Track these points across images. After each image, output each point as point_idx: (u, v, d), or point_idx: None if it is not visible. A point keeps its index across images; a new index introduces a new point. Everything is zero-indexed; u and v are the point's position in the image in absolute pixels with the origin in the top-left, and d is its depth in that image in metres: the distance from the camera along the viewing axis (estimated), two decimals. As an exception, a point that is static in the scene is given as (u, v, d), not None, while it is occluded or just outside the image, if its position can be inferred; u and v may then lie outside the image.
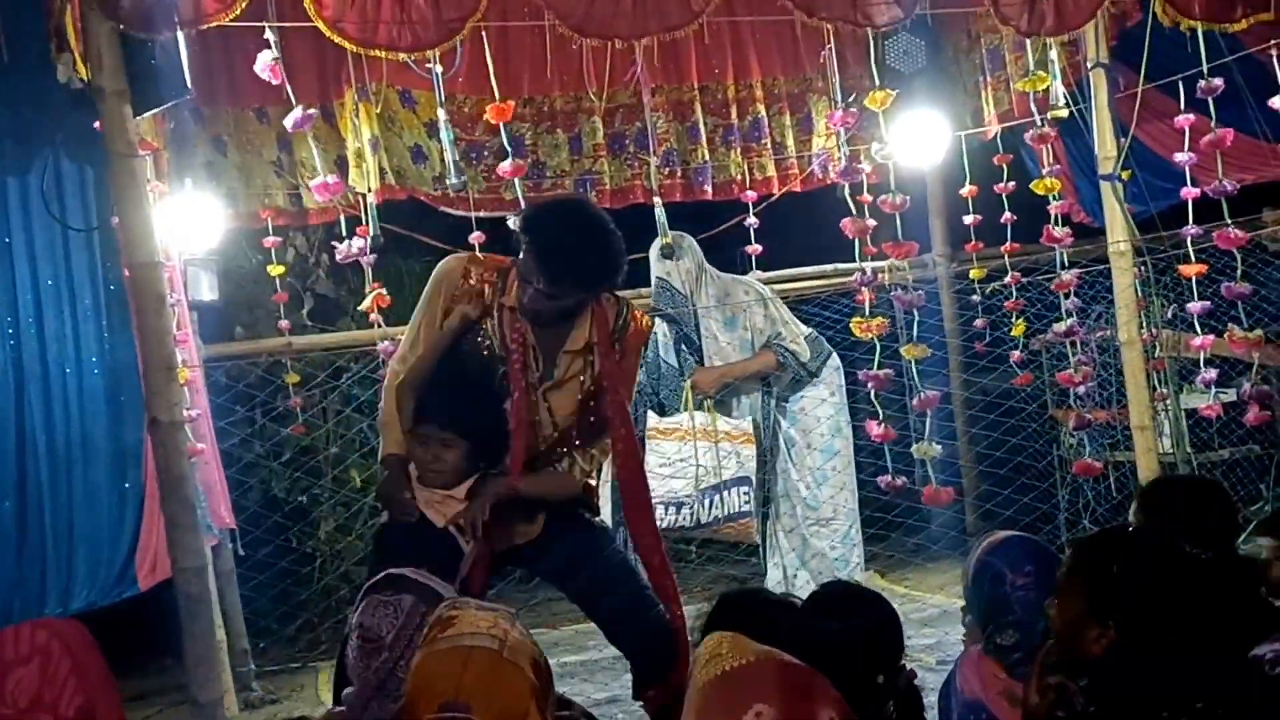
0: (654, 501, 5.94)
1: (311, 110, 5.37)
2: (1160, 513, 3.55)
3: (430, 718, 2.47)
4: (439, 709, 2.47)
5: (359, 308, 7.25)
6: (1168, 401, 6.84)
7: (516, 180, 5.76)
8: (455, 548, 3.96)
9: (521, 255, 4.04)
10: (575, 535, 4.27)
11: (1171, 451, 6.83)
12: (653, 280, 6.26)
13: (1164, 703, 2.28)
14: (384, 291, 6.54)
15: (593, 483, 4.41)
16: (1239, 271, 5.76)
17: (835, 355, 6.27)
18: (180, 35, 4.57)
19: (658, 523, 5.95)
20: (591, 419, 4.20)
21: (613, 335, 4.18)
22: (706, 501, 5.96)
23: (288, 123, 5.49)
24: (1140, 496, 3.78)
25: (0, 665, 2.72)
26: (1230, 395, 6.69)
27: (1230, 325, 6.22)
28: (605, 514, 6.21)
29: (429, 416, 4.02)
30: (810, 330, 6.37)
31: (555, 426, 4.17)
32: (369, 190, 6.70)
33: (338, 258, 6.47)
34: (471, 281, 4.18)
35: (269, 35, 5.08)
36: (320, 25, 4.84)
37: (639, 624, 4.17)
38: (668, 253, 6.26)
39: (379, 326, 6.79)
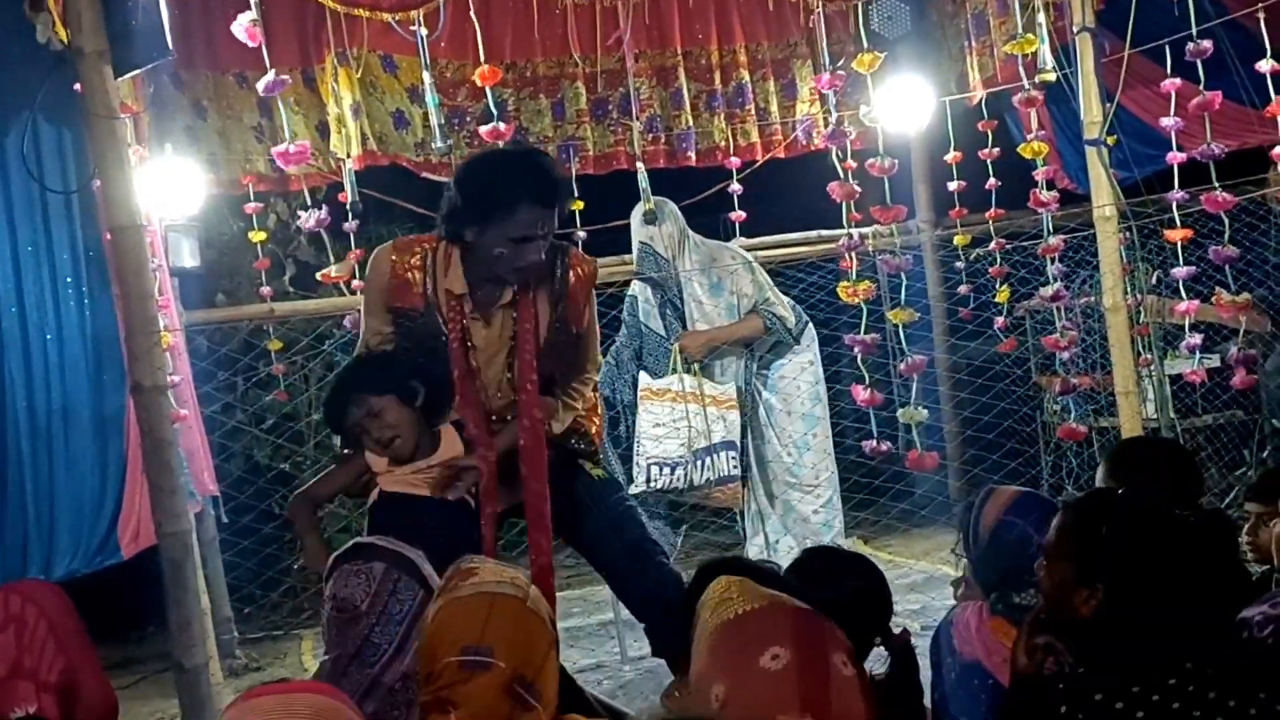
0: (648, 463, 5.96)
1: (285, 76, 5.28)
2: (1128, 474, 3.57)
3: (452, 659, 2.45)
4: (461, 652, 2.46)
5: (319, 275, 7.20)
6: (1152, 367, 6.84)
7: (500, 145, 5.71)
8: (451, 514, 3.96)
9: (472, 232, 4.03)
10: (574, 486, 4.27)
11: (1155, 417, 6.84)
12: (635, 246, 6.24)
13: (1153, 664, 2.28)
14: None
15: (591, 430, 4.41)
16: (1227, 235, 5.75)
17: (811, 324, 6.28)
18: (160, -5, 4.52)
19: (651, 483, 5.98)
20: (552, 367, 4.19)
21: (553, 284, 4.16)
22: (699, 464, 5.96)
23: (260, 87, 5.40)
24: (1107, 459, 3.81)
25: None
26: (1214, 360, 6.71)
27: (1217, 289, 6.22)
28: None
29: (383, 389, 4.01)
30: (788, 299, 6.37)
31: (506, 385, 4.18)
32: (349, 156, 6.65)
33: (301, 225, 6.38)
34: (400, 273, 4.15)
35: (250, -2, 5.02)
36: (304, -15, 4.78)
37: (640, 573, 4.18)
38: (650, 218, 6.22)
39: (359, 295, 6.75)
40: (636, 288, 6.27)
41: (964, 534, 3.25)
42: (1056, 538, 2.57)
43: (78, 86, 4.62)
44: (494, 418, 4.18)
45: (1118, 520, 2.48)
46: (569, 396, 4.30)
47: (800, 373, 6.11)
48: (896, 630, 3.25)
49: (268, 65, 5.21)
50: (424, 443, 4.06)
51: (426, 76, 5.76)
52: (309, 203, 6.52)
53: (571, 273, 4.22)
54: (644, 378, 6.04)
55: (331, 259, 8.73)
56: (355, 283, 6.56)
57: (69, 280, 5.72)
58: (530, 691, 2.48)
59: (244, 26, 5.11)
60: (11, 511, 5.47)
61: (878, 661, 2.94)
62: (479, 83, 5.74)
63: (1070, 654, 2.48)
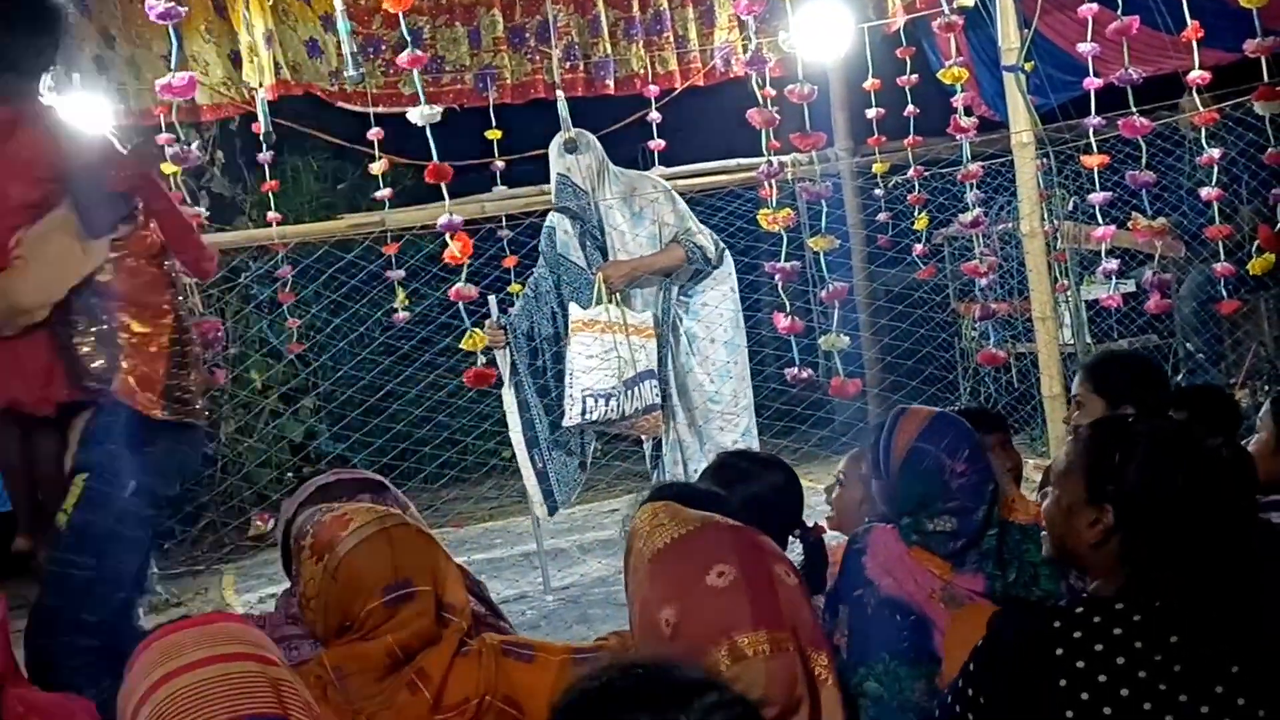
0: (582, 394, 5.93)
1: (182, 8, 5.04)
2: (1113, 387, 3.66)
3: (374, 603, 2.46)
4: (384, 592, 2.46)
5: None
6: (1069, 292, 6.92)
7: (415, 73, 5.58)
8: None
9: None
10: None
11: (1072, 342, 6.93)
12: (553, 177, 6.19)
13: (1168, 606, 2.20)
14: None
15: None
16: (1144, 161, 5.79)
17: (729, 253, 6.26)
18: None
19: (586, 415, 5.94)
20: None
21: None
22: (629, 393, 5.95)
23: (153, 14, 5.13)
24: (1089, 372, 3.84)
25: None
26: (1130, 285, 6.80)
27: (1134, 214, 6.29)
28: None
29: None
30: (707, 229, 6.34)
31: None
32: (262, 85, 6.54)
33: (174, 164, 6.06)
34: None
35: (158, -79, 4.86)
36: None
37: None
38: (570, 148, 6.16)
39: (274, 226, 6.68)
40: (554, 219, 6.23)
41: (873, 458, 3.14)
42: (1066, 459, 2.47)
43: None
44: None
45: (1132, 443, 2.38)
46: None
47: (722, 300, 6.10)
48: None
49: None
50: None
51: (338, 3, 5.66)
52: (207, 140, 6.35)
53: None
54: (574, 309, 6.01)
55: (246, 192, 8.65)
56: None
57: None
58: (448, 607, 2.55)
59: (152, -49, 4.94)
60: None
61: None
62: (392, 10, 5.63)
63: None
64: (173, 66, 5.12)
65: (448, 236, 5.34)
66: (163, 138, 6.45)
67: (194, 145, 5.85)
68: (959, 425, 3.11)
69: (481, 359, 5.71)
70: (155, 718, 1.82)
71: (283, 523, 2.94)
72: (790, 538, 3.25)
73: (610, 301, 5.90)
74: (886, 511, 3.11)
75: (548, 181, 6.31)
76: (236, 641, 1.95)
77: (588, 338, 5.90)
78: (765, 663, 2.18)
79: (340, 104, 6.98)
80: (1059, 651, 2.13)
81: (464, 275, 5.42)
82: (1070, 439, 2.58)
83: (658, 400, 5.91)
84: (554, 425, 6.08)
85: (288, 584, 2.89)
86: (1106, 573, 2.35)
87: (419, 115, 5.24)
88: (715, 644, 2.16)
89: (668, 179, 6.66)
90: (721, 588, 2.19)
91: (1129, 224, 6.40)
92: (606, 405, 5.87)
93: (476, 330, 5.68)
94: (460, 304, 5.51)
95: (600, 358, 5.86)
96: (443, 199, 5.42)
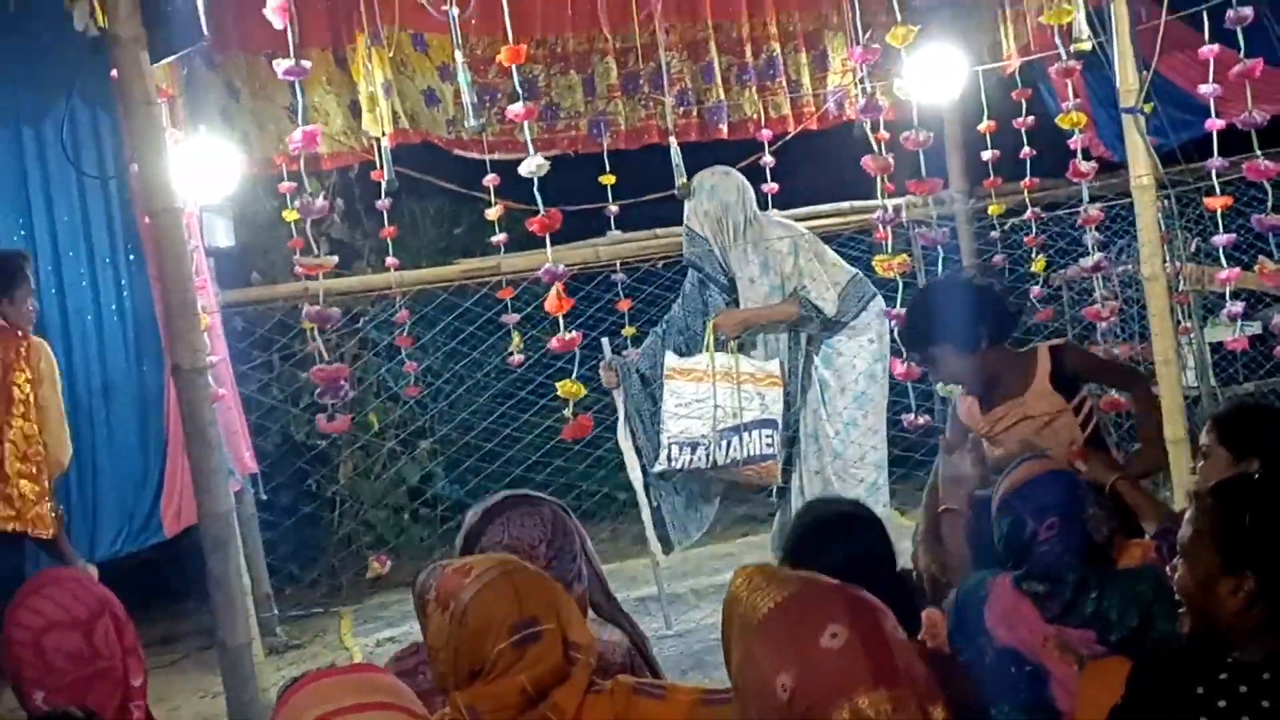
0: (669, 441, 5.94)
1: (306, 63, 5.21)
2: (1239, 440, 3.51)
3: (503, 644, 2.49)
4: (511, 632, 2.50)
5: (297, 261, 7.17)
6: (1192, 335, 6.80)
7: (526, 125, 5.64)
8: None
9: None
10: None
11: (1196, 385, 6.80)
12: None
13: None
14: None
15: None
16: (1270, 203, 5.69)
17: (879, 299, 6.10)
18: (196, -20, 4.53)
19: (672, 463, 5.95)
20: None
21: None
22: (724, 443, 5.92)
23: (279, 71, 5.29)
24: (1215, 423, 3.66)
25: (81, 624, 2.75)
26: (1255, 328, 6.67)
27: (1261, 258, 6.17)
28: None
29: None
30: (854, 273, 6.18)
31: None
32: (382, 135, 6.65)
33: (299, 214, 6.22)
34: None
35: (281, -22, 4.98)
36: (336, -37, 4.73)
37: None
38: (683, 194, 6.19)
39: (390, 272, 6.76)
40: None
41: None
42: (1193, 529, 2.42)
43: (114, 73, 4.63)
44: None
45: (1265, 505, 2.34)
46: None
47: (858, 352, 6.01)
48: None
49: (291, 50, 5.14)
50: None
51: (458, 55, 5.73)
52: (327, 187, 6.49)
53: None
54: (670, 357, 6.01)
55: (365, 238, 8.78)
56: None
57: (107, 261, 5.77)
58: (573, 645, 2.56)
59: (275, 8, 5.06)
60: (56, 493, 5.52)
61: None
62: (505, 63, 5.70)
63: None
64: (299, 120, 5.23)
65: (549, 283, 5.40)
66: (285, 186, 6.60)
67: (320, 197, 5.95)
68: (1057, 488, 3.09)
69: (568, 411, 5.72)
70: None
71: (462, 534, 3.06)
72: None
73: (721, 350, 5.88)
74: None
75: (661, 226, 6.34)
76: (384, 691, 2.00)
77: (680, 385, 5.91)
78: (889, 722, 2.17)
79: (457, 151, 7.08)
80: None
81: (562, 324, 5.46)
82: (1194, 505, 2.52)
83: (771, 450, 5.86)
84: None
85: (405, 627, 2.97)
86: (1251, 639, 2.30)
87: (527, 167, 5.32)
88: (836, 707, 2.14)
89: (779, 222, 6.63)
90: (837, 648, 2.17)
91: (1255, 267, 6.28)
92: (693, 454, 5.87)
93: (569, 381, 5.70)
94: (574, 348, 5.55)
95: (692, 406, 5.85)
96: (559, 243, 5.47)
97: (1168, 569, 2.57)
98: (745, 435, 5.90)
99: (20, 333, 5.13)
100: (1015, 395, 4.30)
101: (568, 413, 5.72)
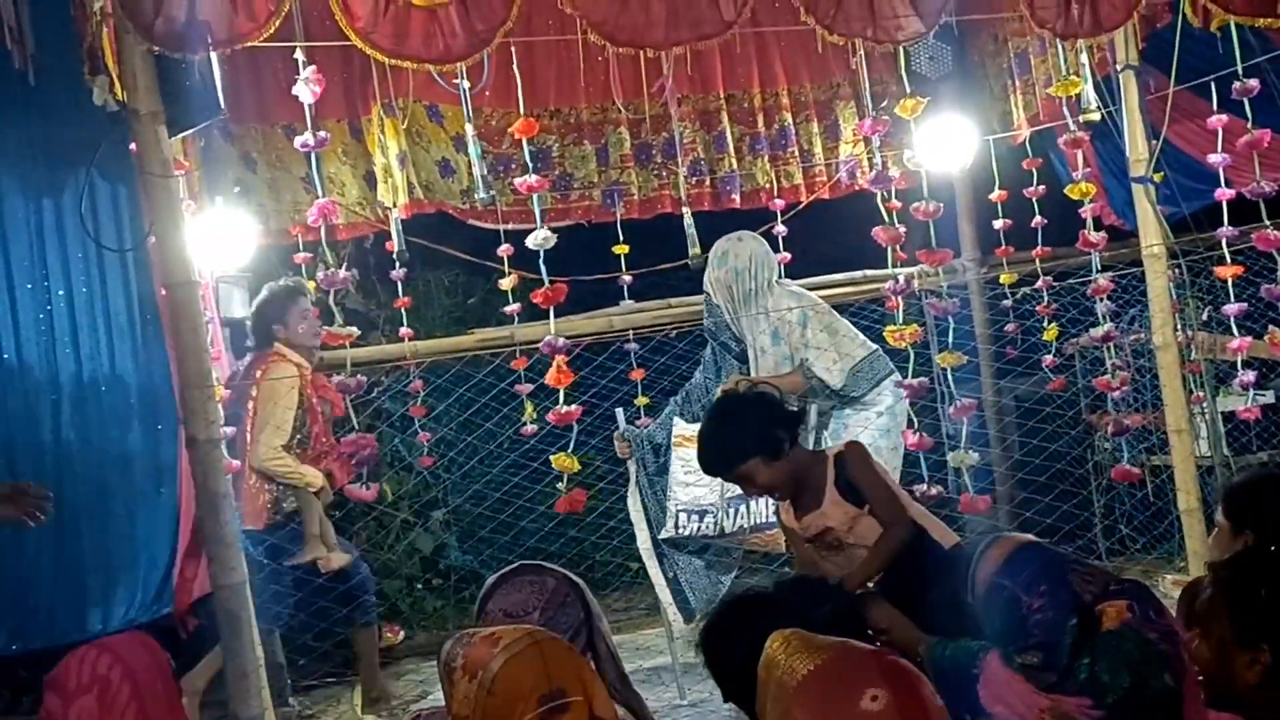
0: (676, 509, 5.93)
1: (324, 134, 5.30)
2: (1243, 513, 3.52)
3: (534, 714, 2.49)
4: (539, 703, 2.49)
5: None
6: (1204, 404, 6.80)
7: (535, 197, 5.64)
8: None
9: None
10: None
11: (1209, 455, 6.79)
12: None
13: None
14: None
15: None
16: (1279, 273, 5.71)
17: (895, 375, 6.05)
18: (213, 56, 4.58)
19: (680, 530, 5.93)
20: None
21: None
22: (731, 510, 5.92)
23: (297, 144, 5.38)
24: (1222, 495, 3.70)
25: (64, 695, 2.74)
26: (1268, 397, 6.66)
27: (1271, 327, 6.18)
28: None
29: None
30: (872, 349, 6.09)
31: None
32: (395, 205, 6.70)
33: (321, 286, 6.32)
34: None
35: (299, 54, 5.05)
36: (352, 37, 4.75)
37: None
38: (696, 263, 6.22)
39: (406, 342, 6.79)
40: None
41: (967, 585, 3.19)
42: (1208, 605, 2.43)
43: (133, 146, 4.69)
44: None
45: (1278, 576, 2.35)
46: None
47: (865, 424, 5.98)
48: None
49: (308, 123, 5.21)
50: None
51: (469, 128, 5.80)
52: (343, 257, 6.54)
53: None
54: (678, 424, 6.01)
55: (380, 307, 8.82)
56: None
57: (124, 332, 5.80)
58: (598, 718, 2.57)
59: (309, 77, 5.08)
60: (68, 561, 5.53)
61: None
62: (517, 136, 5.74)
63: None
64: (318, 191, 5.30)
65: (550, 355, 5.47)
66: (300, 256, 6.65)
67: (342, 269, 6.01)
68: (1040, 558, 3.12)
69: (562, 484, 5.78)
70: None
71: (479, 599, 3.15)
72: None
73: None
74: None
75: (675, 295, 6.36)
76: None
77: (689, 453, 5.90)
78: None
79: (471, 221, 7.13)
80: None
81: (563, 397, 5.51)
82: (1209, 577, 2.53)
83: (775, 519, 5.86)
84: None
85: (418, 698, 2.97)
86: (1268, 710, 2.31)
87: (534, 240, 5.37)
88: (878, 767, 2.15)
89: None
90: (877, 711, 2.18)
91: (1266, 336, 6.28)
92: (701, 521, 5.86)
93: (563, 454, 5.72)
94: (573, 421, 5.60)
95: (700, 473, 5.86)
96: (573, 313, 5.51)
97: (1182, 637, 2.58)
98: (752, 503, 5.89)
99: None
100: (816, 505, 4.29)
101: (561, 486, 5.75)
